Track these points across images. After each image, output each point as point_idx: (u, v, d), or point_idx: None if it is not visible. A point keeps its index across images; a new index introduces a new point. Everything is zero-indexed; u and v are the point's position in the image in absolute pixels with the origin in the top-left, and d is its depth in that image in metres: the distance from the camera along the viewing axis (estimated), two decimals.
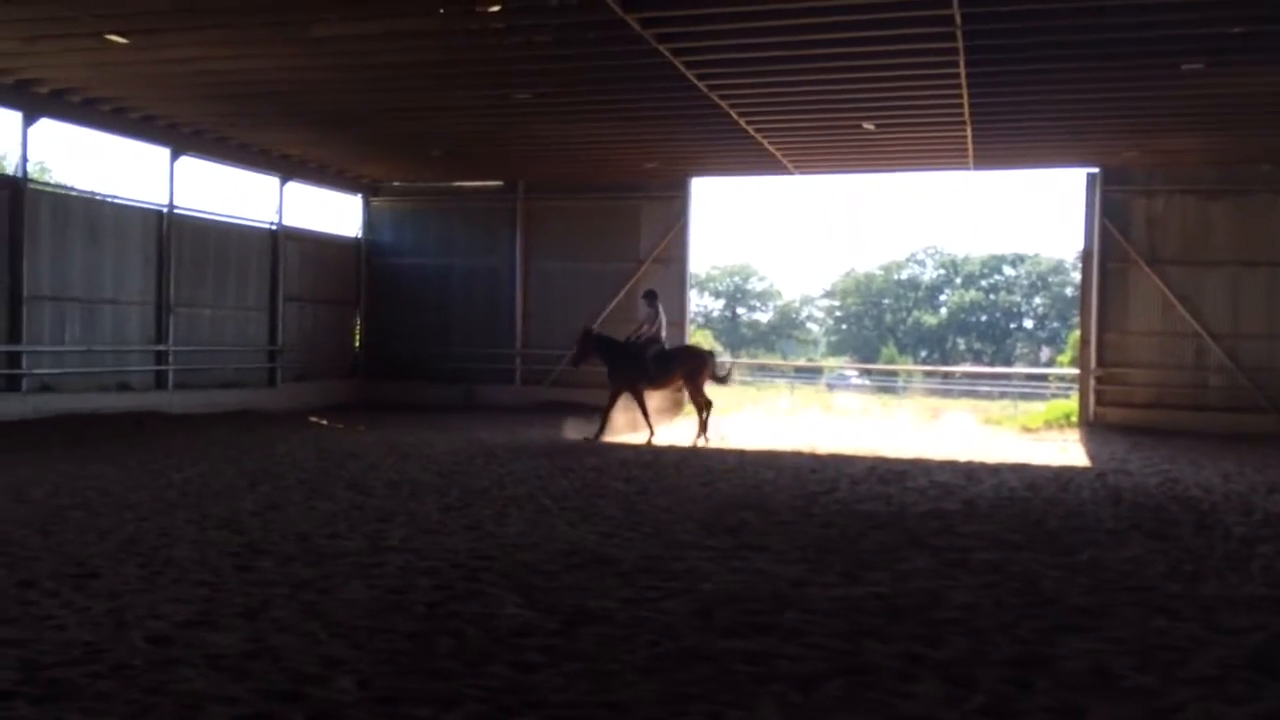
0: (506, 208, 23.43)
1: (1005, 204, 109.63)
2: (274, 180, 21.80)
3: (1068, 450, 15.81)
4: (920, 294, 78.17)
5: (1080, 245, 20.81)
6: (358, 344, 24.71)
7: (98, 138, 25.97)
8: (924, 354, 73.67)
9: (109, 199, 18.79)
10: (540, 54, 13.56)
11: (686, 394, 16.82)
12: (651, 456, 13.57)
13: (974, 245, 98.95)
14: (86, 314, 17.66)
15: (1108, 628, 5.51)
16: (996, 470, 12.52)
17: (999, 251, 78.31)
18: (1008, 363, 66.91)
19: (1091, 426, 19.37)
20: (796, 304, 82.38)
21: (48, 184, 21.92)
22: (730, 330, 76.17)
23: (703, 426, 15.92)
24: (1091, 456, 14.78)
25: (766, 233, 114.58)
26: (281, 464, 11.97)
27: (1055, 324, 71.85)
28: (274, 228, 21.84)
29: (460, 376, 23.21)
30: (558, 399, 21.21)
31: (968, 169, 20.56)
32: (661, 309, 16.60)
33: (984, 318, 75.88)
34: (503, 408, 21.67)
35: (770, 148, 18.62)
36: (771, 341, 77.44)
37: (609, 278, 22.27)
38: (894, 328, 77.40)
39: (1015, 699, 4.42)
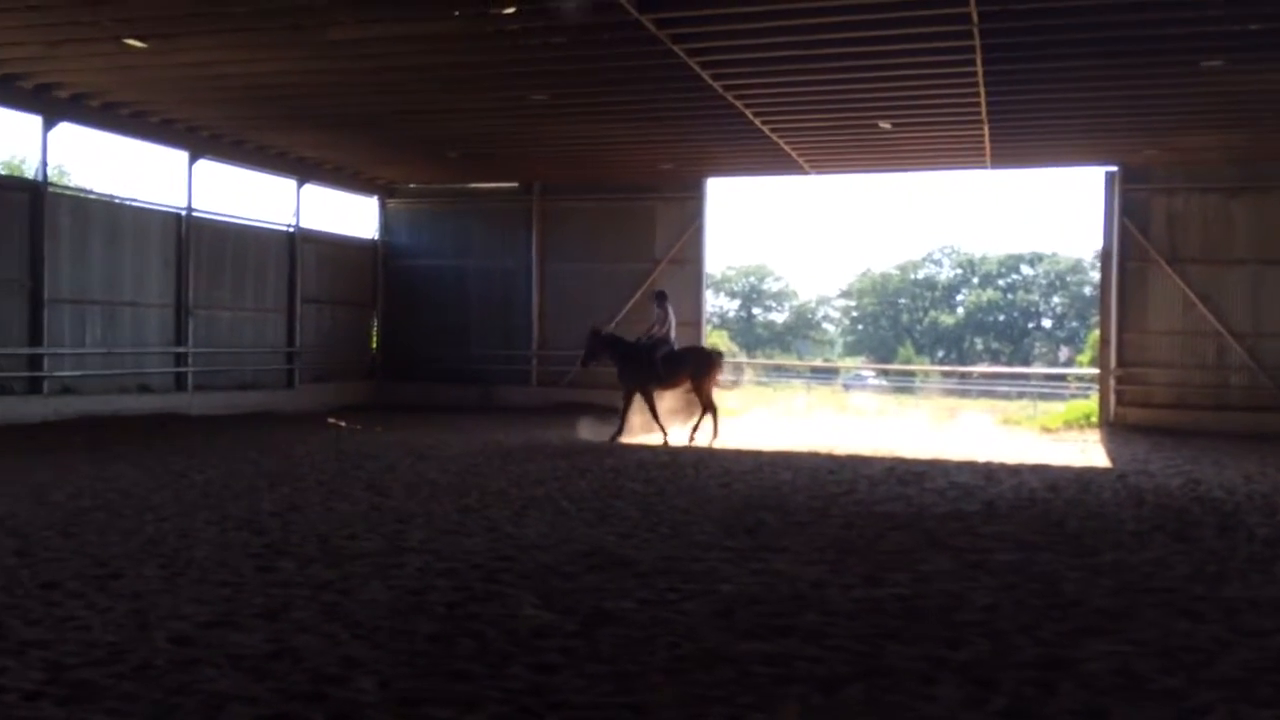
0: (522, 209, 23.47)
1: (1022, 203, 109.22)
2: (291, 183, 21.91)
3: (1088, 451, 15.71)
4: (937, 294, 77.89)
5: (1099, 244, 20.69)
6: (375, 345, 24.79)
7: (117, 141, 26.12)
8: (941, 354, 73.41)
9: (128, 202, 18.94)
10: (555, 55, 13.57)
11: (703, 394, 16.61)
12: (669, 457, 13.55)
13: (991, 244, 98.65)
14: (106, 316, 17.79)
15: (1131, 630, 5.48)
16: (1016, 471, 12.45)
17: (1017, 251, 77.99)
18: (1026, 363, 66.58)
19: (1112, 427, 19.26)
20: (812, 304, 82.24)
21: (68, 187, 22.06)
22: (746, 331, 76.06)
23: (695, 428, 15.77)
24: (1112, 457, 14.69)
25: (782, 233, 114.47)
26: (300, 465, 12.02)
27: (1074, 323, 71.51)
28: (291, 230, 21.95)
29: (477, 377, 23.25)
30: (574, 400, 21.21)
31: (985, 168, 20.48)
32: (671, 310, 16.57)
33: (1002, 317, 75.54)
34: (519, 409, 21.71)
35: (786, 147, 18.59)
36: (787, 342, 77.28)
37: (625, 278, 22.28)
38: (910, 328, 77.16)
39: (1038, 701, 4.39)
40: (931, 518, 9.00)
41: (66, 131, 17.37)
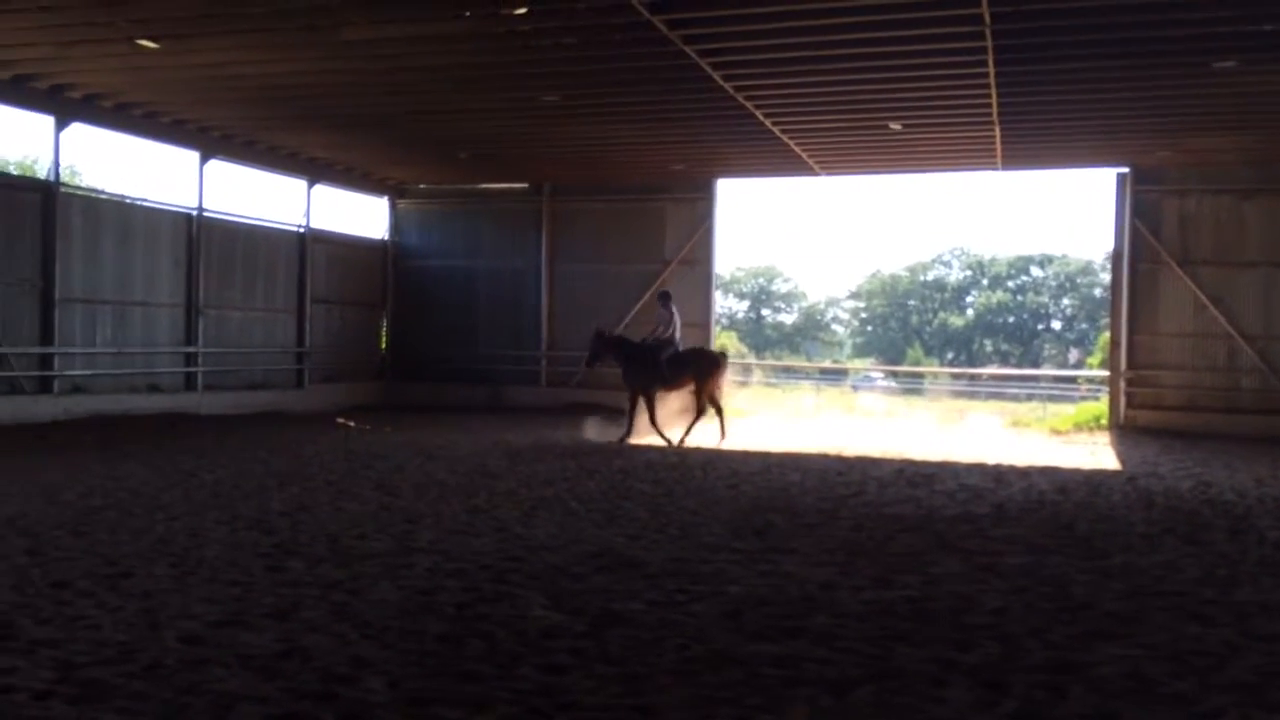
0: (532, 210, 23.49)
1: (1032, 204, 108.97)
2: (302, 183, 21.98)
3: (1098, 453, 15.67)
4: (946, 295, 77.75)
5: (1110, 246, 20.63)
6: (384, 345, 24.84)
7: (128, 142, 26.21)
8: (950, 356, 73.25)
9: (139, 202, 19.02)
10: (566, 56, 13.58)
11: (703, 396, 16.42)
12: (677, 459, 13.55)
13: (1001, 246, 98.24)
14: (117, 316, 17.86)
15: (1141, 633, 5.46)
16: (1026, 473, 12.42)
17: (1026, 252, 77.81)
18: (1035, 365, 66.41)
19: (1121, 429, 19.19)
20: (822, 305, 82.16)
21: (79, 187, 22.15)
22: (755, 332, 75.99)
23: (689, 430, 15.74)
24: (1122, 460, 14.64)
25: (791, 234, 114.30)
26: (310, 465, 12.04)
27: (1084, 325, 71.30)
28: (302, 230, 22.00)
29: (486, 378, 23.28)
30: (583, 400, 21.21)
31: (996, 169, 20.43)
32: (676, 311, 16.56)
33: (1011, 319, 75.36)
34: (528, 409, 21.73)
35: (796, 149, 18.58)
36: (796, 343, 77.22)
37: (634, 279, 22.27)
38: (920, 329, 77.01)
39: (1049, 705, 4.38)
40: (941, 520, 8.98)
41: (78, 132, 17.45)
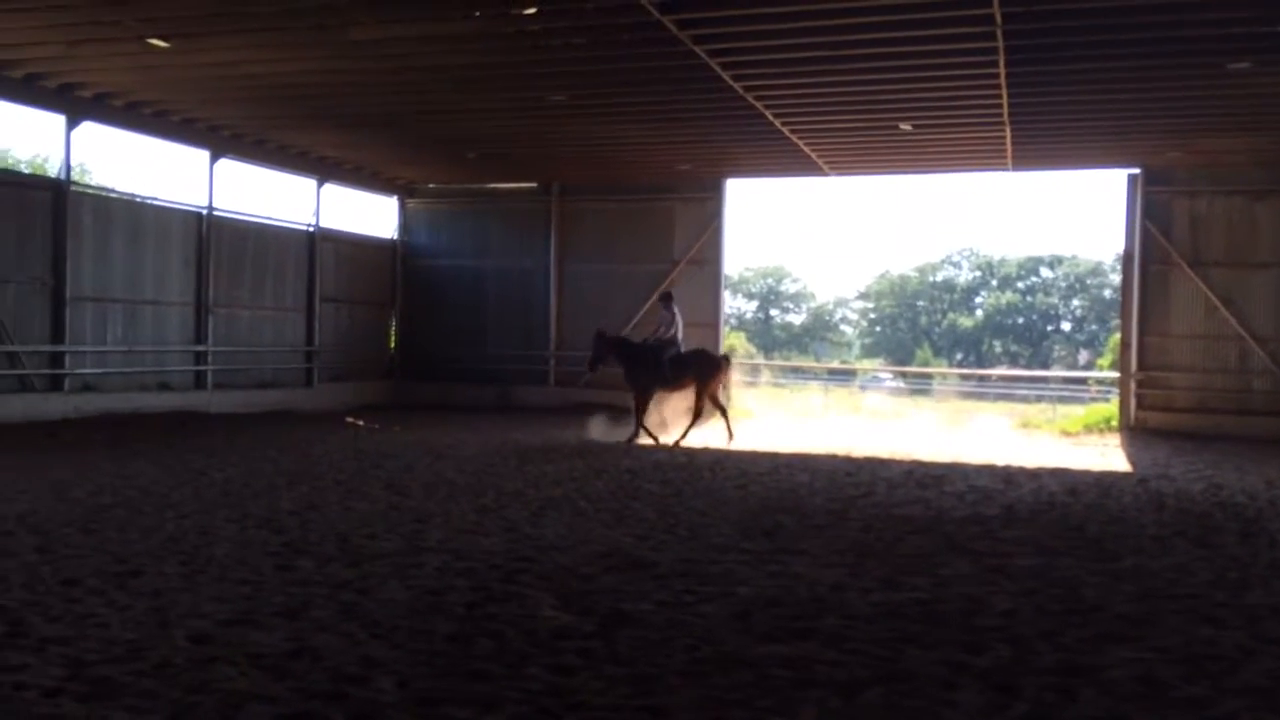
0: (541, 209, 23.50)
1: (1042, 205, 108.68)
2: (311, 182, 22.02)
3: (1108, 455, 15.62)
4: (956, 296, 77.59)
5: (1120, 247, 20.56)
6: (393, 345, 24.87)
7: (139, 140, 26.31)
8: (959, 357, 73.08)
9: (150, 201, 19.07)
10: (576, 56, 13.59)
11: (709, 397, 16.33)
12: (686, 459, 13.54)
13: (1011, 247, 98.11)
14: (128, 314, 17.92)
15: (1153, 636, 5.43)
16: (1036, 475, 12.38)
17: (1036, 253, 77.63)
18: (1045, 366, 66.22)
19: (1132, 431, 19.13)
20: (830, 306, 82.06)
21: (90, 186, 22.21)
22: (763, 332, 75.94)
23: (685, 433, 15.70)
24: (1132, 461, 14.59)
25: (800, 234, 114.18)
26: (319, 464, 12.06)
27: (1093, 327, 71.11)
28: (311, 229, 22.05)
29: (495, 378, 23.29)
30: (592, 400, 21.19)
31: (1006, 170, 20.38)
32: (678, 312, 16.53)
33: (1020, 320, 75.18)
34: (537, 409, 21.74)
35: (806, 149, 18.55)
36: (805, 344, 77.14)
37: (643, 279, 22.26)
38: (929, 330, 76.87)
39: (1059, 708, 4.35)
40: (951, 521, 8.96)
41: (89, 131, 17.51)
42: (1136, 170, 19.71)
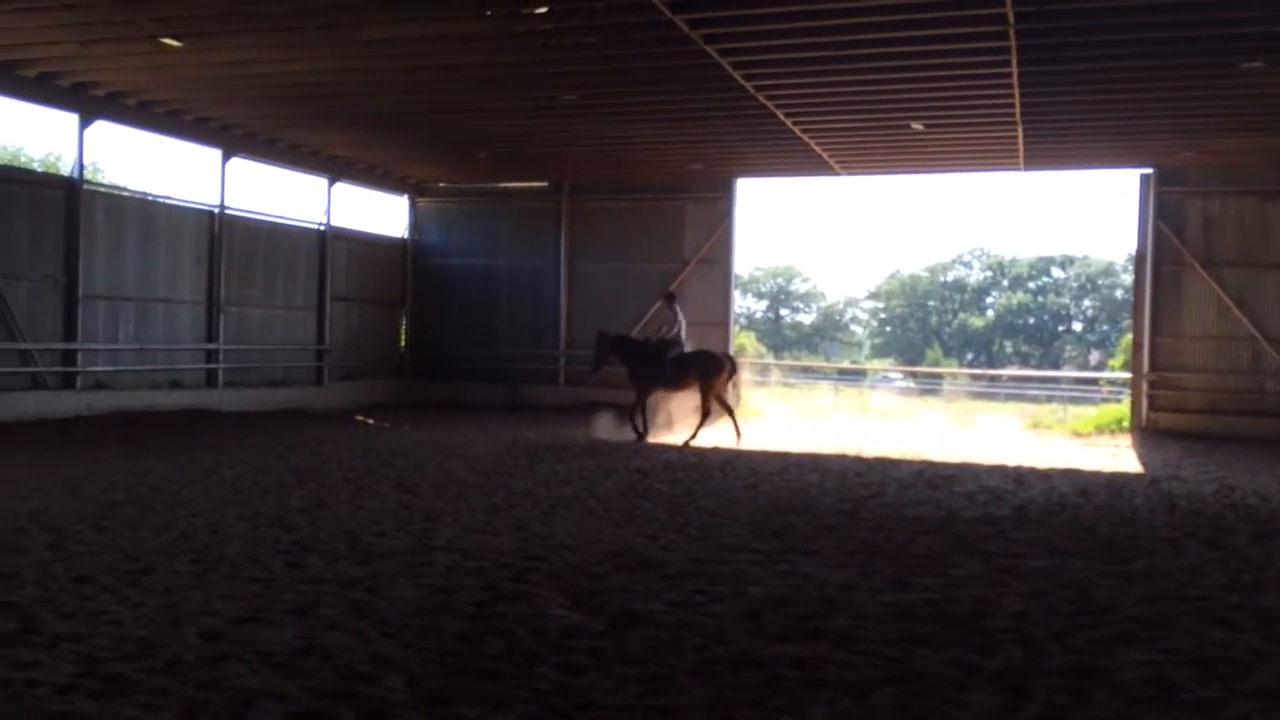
0: (551, 209, 23.51)
1: (1054, 204, 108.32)
2: (322, 181, 22.07)
3: (1119, 456, 15.56)
4: (966, 296, 77.37)
5: (1132, 247, 20.47)
6: (403, 344, 24.92)
7: (151, 139, 26.40)
8: (970, 357, 72.87)
9: (162, 199, 19.13)
10: (587, 55, 13.59)
11: (715, 398, 16.29)
12: (696, 459, 13.53)
13: (1022, 246, 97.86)
14: (139, 313, 17.98)
15: (1165, 638, 5.41)
16: (1047, 476, 12.34)
17: (1047, 253, 77.33)
18: (1056, 366, 65.98)
19: (1143, 432, 19.06)
20: (840, 305, 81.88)
21: (103, 185, 22.30)
22: (773, 332, 75.84)
23: (694, 434, 15.67)
24: (1144, 462, 14.53)
25: (810, 234, 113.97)
26: (329, 462, 12.08)
27: (1105, 327, 70.85)
28: (322, 228, 22.10)
29: (505, 376, 23.32)
30: (602, 399, 21.17)
31: (1018, 170, 20.32)
32: (680, 311, 16.53)
33: (1032, 320, 74.93)
34: (547, 408, 21.75)
35: (817, 148, 18.53)
36: (815, 343, 77.02)
37: (653, 278, 22.23)
38: (939, 330, 76.68)
39: (1071, 710, 4.34)
40: (961, 522, 8.93)
41: (102, 129, 17.57)
42: (1149, 170, 19.64)
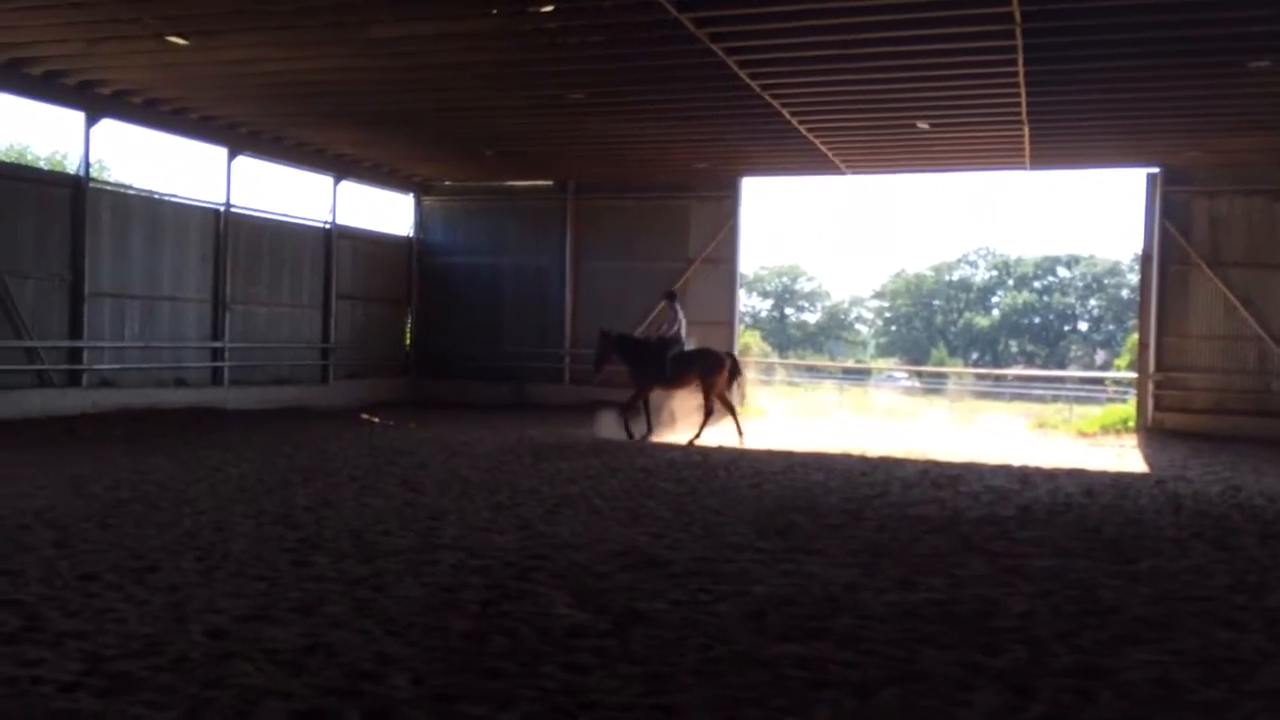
0: (557, 207, 23.52)
1: (1060, 204, 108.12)
2: (328, 179, 22.10)
3: (1125, 456, 15.53)
4: (972, 295, 77.27)
5: (1138, 246, 20.45)
6: (408, 342, 24.94)
7: (157, 138, 26.46)
8: (975, 356, 72.78)
9: (168, 198, 19.16)
10: (593, 54, 13.59)
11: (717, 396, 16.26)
12: (700, 458, 13.53)
13: (1027, 246, 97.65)
14: (145, 310, 18.02)
15: (1170, 639, 5.39)
16: (1052, 475, 12.32)
17: (1053, 252, 77.21)
18: (1061, 366, 65.88)
19: (1149, 432, 19.02)
20: (845, 305, 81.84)
21: (109, 183, 22.36)
22: (778, 331, 75.81)
23: (701, 429, 15.65)
24: (1150, 462, 14.51)
25: (816, 233, 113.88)
26: (334, 460, 12.09)
27: (1111, 327, 70.74)
28: (328, 226, 22.13)
29: (510, 375, 23.33)
30: (607, 398, 21.16)
31: (1024, 169, 20.28)
32: (680, 309, 16.52)
33: (1037, 320, 74.83)
34: (552, 406, 21.75)
35: (822, 147, 18.51)
36: (820, 342, 76.97)
37: (659, 277, 22.18)
38: (944, 329, 76.59)
39: (1076, 710, 4.33)
40: (966, 522, 8.92)
41: (108, 128, 17.60)
42: (1155, 169, 19.59)
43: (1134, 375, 21.18)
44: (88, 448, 12.60)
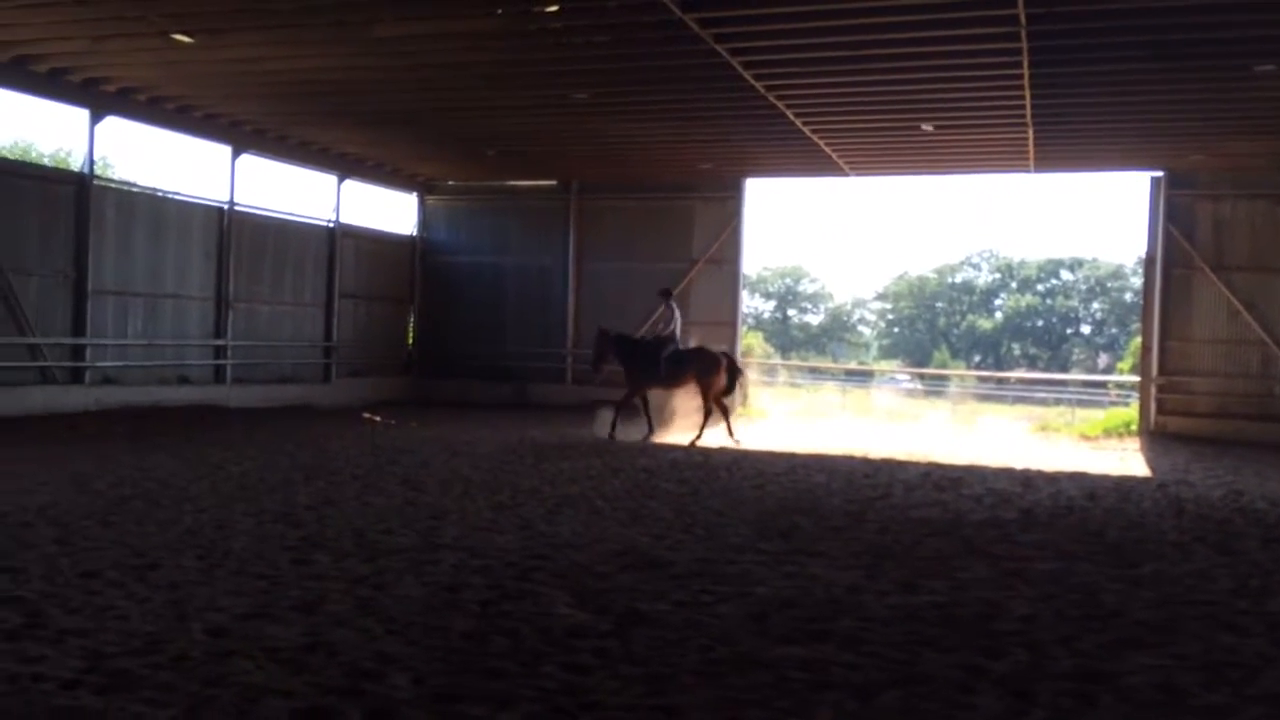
0: (560, 207, 23.52)
1: (1064, 207, 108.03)
2: (332, 178, 22.11)
3: (1127, 459, 15.51)
4: (975, 298, 77.17)
5: (1142, 249, 20.44)
6: (411, 341, 24.95)
7: (161, 135, 26.47)
8: (978, 359, 72.70)
9: (172, 195, 19.17)
10: (597, 54, 13.59)
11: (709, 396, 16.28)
12: (702, 458, 13.52)
13: (1031, 249, 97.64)
14: (148, 308, 18.03)
15: (1172, 643, 5.38)
16: (1054, 479, 12.31)
17: (1057, 255, 77.08)
18: (1064, 369, 65.80)
19: (1152, 435, 19.00)
20: (848, 306, 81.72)
21: (113, 180, 22.37)
22: (781, 332, 75.74)
23: (702, 430, 15.64)
24: (1152, 466, 14.49)
25: (819, 234, 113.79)
26: (336, 459, 12.10)
27: (1114, 330, 70.63)
28: (331, 225, 22.14)
29: (512, 374, 23.34)
30: (609, 398, 21.15)
31: (1028, 172, 20.27)
32: (676, 308, 16.51)
33: (1040, 323, 74.72)
34: (554, 406, 21.75)
35: (826, 149, 18.50)
36: (822, 344, 76.88)
37: (662, 278, 22.08)
38: (947, 332, 76.51)
39: (1077, 714, 4.33)
40: (969, 524, 8.91)
41: (113, 125, 17.61)
42: (1159, 173, 19.57)
43: (1137, 379, 21.16)
44: (90, 445, 12.61)
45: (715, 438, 15.64)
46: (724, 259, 22.25)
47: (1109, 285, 72.62)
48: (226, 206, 19.44)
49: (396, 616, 5.43)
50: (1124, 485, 12.00)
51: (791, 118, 16.13)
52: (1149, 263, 20.11)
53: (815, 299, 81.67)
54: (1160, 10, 11.13)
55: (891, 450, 15.17)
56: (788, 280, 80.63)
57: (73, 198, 16.58)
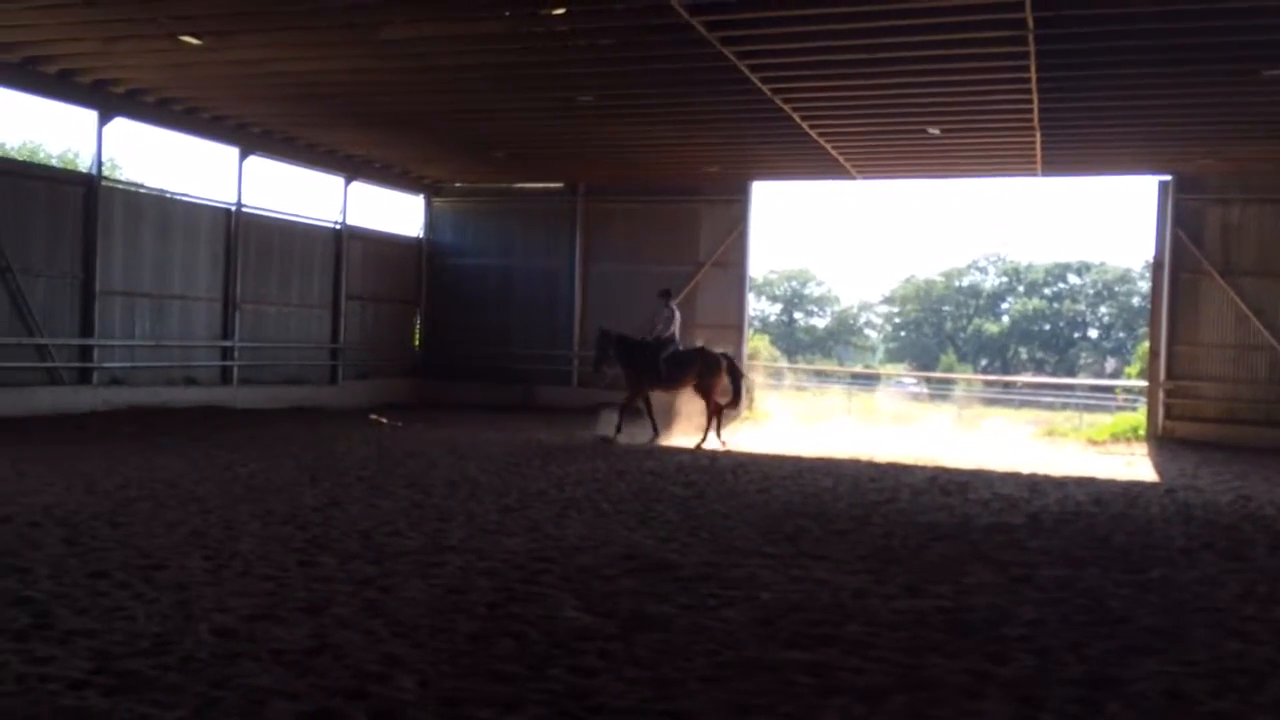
0: (567, 209, 23.53)
1: (1071, 211, 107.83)
2: (339, 180, 22.15)
3: (1135, 464, 15.47)
4: (981, 302, 77.01)
5: (1149, 254, 20.39)
6: (418, 343, 24.97)
7: (169, 137, 26.58)
8: (984, 363, 72.57)
9: (179, 197, 19.21)
10: (604, 57, 13.60)
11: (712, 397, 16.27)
12: (708, 461, 13.51)
13: (1038, 252, 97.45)
14: (156, 309, 18.07)
15: (1180, 650, 5.36)
16: (1061, 484, 12.28)
17: (1064, 259, 76.87)
18: (1071, 373, 65.66)
19: (1159, 440, 18.95)
20: (855, 310, 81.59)
21: (121, 181, 22.42)
22: (787, 335, 75.65)
23: (707, 432, 15.63)
24: (1160, 471, 14.45)
25: (825, 237, 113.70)
26: (343, 461, 12.11)
27: (1121, 334, 70.43)
28: (338, 227, 22.18)
29: (519, 377, 23.35)
30: (615, 401, 21.17)
31: (1035, 175, 20.23)
32: (676, 308, 16.50)
33: (1047, 327, 74.54)
34: (560, 408, 21.74)
35: (833, 152, 18.49)
36: (829, 347, 76.78)
37: (668, 280, 22.07)
38: (954, 335, 76.38)
39: None
40: (975, 529, 8.89)
41: (121, 126, 17.67)
42: (1168, 177, 19.53)
43: (1144, 383, 21.11)
44: (97, 446, 12.63)
45: (710, 441, 15.61)
46: (730, 262, 22.25)
47: (1116, 289, 72.43)
48: (234, 208, 19.49)
49: (403, 619, 5.43)
50: (1131, 490, 11.97)
51: (798, 121, 16.13)
52: (1157, 267, 20.06)
53: (821, 302, 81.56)
54: (1168, 14, 11.11)
55: (897, 454, 15.15)
56: (794, 283, 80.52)
57: (81, 199, 16.63)
